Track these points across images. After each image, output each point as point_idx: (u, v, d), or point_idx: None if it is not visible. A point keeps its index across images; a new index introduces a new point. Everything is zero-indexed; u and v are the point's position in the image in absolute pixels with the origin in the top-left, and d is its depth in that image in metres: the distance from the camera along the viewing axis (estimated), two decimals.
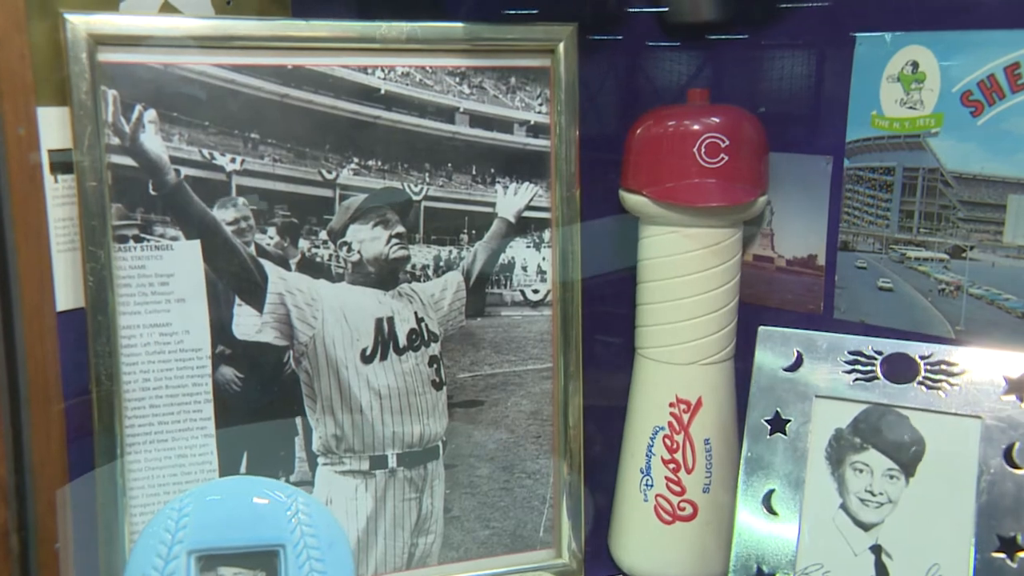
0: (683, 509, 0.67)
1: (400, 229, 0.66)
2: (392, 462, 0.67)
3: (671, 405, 0.67)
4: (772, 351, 0.62)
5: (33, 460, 0.55)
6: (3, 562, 0.54)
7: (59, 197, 0.59)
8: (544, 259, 0.70)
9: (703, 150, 0.64)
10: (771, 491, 0.60)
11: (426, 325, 0.67)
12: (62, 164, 0.58)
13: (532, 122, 0.69)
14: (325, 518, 0.57)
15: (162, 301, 0.61)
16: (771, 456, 0.60)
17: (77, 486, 0.58)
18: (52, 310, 0.57)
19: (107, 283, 0.59)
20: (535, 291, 0.70)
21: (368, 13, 0.74)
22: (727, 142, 0.64)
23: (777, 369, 0.61)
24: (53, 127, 0.58)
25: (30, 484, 0.55)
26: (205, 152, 0.61)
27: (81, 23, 0.58)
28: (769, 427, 0.61)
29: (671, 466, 0.67)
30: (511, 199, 0.69)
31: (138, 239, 0.60)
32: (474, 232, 0.68)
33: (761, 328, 0.62)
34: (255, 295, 0.63)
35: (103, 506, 0.59)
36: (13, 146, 0.55)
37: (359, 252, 0.65)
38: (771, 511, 0.60)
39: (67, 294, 0.59)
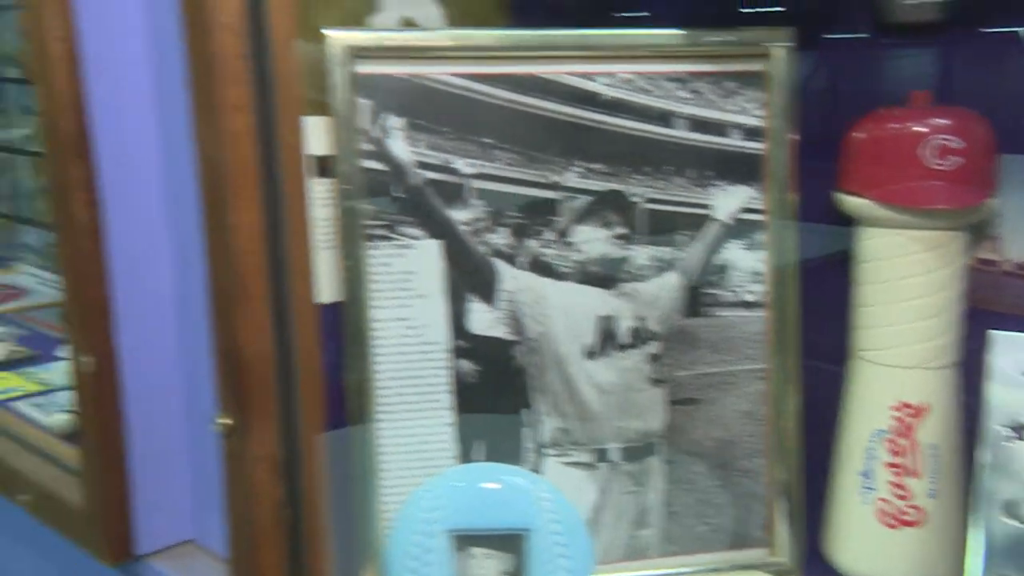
0: (908, 514, 0.66)
1: (622, 230, 0.68)
2: (614, 456, 0.69)
3: (894, 409, 0.66)
4: (1008, 355, 0.60)
5: (301, 441, 0.60)
6: (278, 533, 0.59)
7: (319, 199, 0.64)
8: (759, 261, 0.70)
9: (932, 152, 0.63)
10: (1013, 499, 0.59)
11: (645, 324, 0.69)
12: (321, 168, 0.63)
13: (748, 125, 0.69)
14: (566, 506, 0.59)
15: (405, 297, 0.65)
16: (1011, 463, 0.59)
17: (335, 465, 0.63)
18: (316, 303, 0.62)
19: (360, 279, 0.63)
20: (750, 292, 0.71)
21: (588, 22, 0.77)
22: (956, 143, 0.63)
23: (1015, 374, 0.60)
24: (314, 134, 0.63)
25: (301, 463, 0.60)
26: (444, 157, 0.65)
27: (339, 38, 0.63)
28: (1009, 433, 0.59)
29: (895, 471, 0.66)
30: (726, 201, 0.70)
31: (385, 238, 0.65)
32: (690, 233, 0.69)
33: (994, 332, 0.61)
34: (488, 292, 0.66)
35: (359, 486, 0.64)
36: (287, 154, 0.60)
37: (583, 252, 0.67)
38: (1015, 519, 0.58)
39: (326, 289, 0.64)
